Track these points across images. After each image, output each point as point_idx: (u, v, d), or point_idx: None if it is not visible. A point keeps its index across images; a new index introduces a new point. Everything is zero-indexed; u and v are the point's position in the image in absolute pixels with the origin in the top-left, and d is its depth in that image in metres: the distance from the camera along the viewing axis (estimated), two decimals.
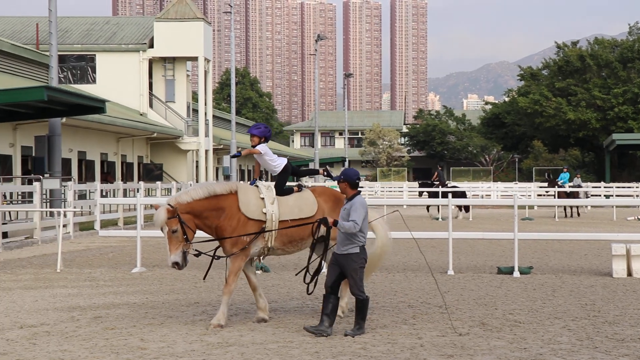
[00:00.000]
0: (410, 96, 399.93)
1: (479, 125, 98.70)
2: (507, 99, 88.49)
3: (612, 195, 44.62)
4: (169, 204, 10.21)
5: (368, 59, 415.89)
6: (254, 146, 11.44)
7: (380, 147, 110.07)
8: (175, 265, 10.11)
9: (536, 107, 72.96)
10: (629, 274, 15.60)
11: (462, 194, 36.32)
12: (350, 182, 9.99)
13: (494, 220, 34.81)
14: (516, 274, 15.78)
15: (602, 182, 53.22)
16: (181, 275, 15.44)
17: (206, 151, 55.73)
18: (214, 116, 63.30)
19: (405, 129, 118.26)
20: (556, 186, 38.45)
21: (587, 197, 40.70)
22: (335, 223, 9.70)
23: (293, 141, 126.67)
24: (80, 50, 54.18)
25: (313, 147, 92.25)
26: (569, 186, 37.99)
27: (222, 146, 60.72)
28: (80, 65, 54.36)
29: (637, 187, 45.88)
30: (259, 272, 16.06)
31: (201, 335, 9.81)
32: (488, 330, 10.09)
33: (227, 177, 54.60)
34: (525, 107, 74.01)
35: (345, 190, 10.05)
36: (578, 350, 8.99)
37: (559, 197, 36.33)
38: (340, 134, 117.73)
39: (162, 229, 10.14)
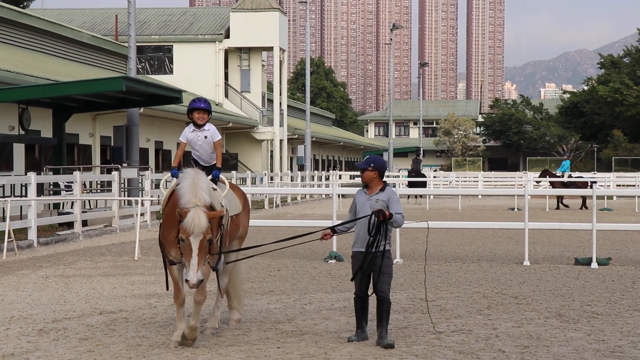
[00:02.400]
0: (486, 85, 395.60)
1: (556, 114, 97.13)
2: (586, 88, 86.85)
3: None
4: (202, 207, 8.18)
5: (444, 48, 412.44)
6: (203, 124, 9.48)
7: (455, 136, 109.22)
8: (198, 284, 8.15)
9: (616, 95, 71.41)
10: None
11: (423, 184, 39.42)
12: (382, 171, 8.77)
13: (571, 210, 34.24)
14: (594, 265, 15.50)
15: None
16: (256, 264, 15.56)
17: (280, 141, 56.07)
18: (288, 106, 63.67)
19: (480, 119, 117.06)
20: (547, 176, 37.50)
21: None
22: (391, 216, 8.49)
23: (367, 131, 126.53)
24: (157, 41, 55.04)
25: (387, 136, 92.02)
26: (568, 175, 36.74)
27: (296, 136, 61.02)
28: (158, 56, 55.22)
29: None
30: (332, 261, 16.12)
31: (275, 323, 9.87)
32: (565, 322, 9.93)
33: (301, 167, 54.86)
34: (605, 95, 72.51)
35: (373, 181, 8.75)
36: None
37: (553, 187, 35.50)
38: (415, 123, 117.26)
39: (189, 238, 8.04)
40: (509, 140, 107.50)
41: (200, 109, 9.30)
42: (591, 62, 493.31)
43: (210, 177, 9.12)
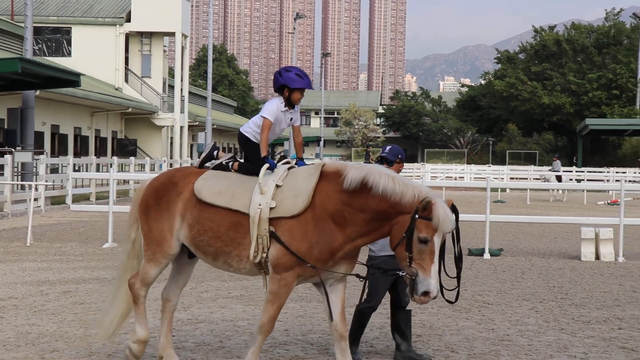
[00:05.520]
0: (387, 77, 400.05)
1: (454, 107, 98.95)
2: (483, 82, 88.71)
3: (584, 180, 44.96)
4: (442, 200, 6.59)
5: (346, 39, 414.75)
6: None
7: (356, 127, 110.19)
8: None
9: (512, 90, 73.23)
10: (597, 257, 15.77)
11: None
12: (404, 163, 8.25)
13: (466, 202, 35.03)
14: (486, 255, 15.90)
15: (574, 166, 53.62)
16: None
17: (181, 128, 55.49)
18: (190, 92, 63.02)
19: (381, 110, 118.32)
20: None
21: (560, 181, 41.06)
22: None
23: None
24: (56, 22, 53.65)
25: None
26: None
27: (197, 123, 60.49)
28: (56, 38, 53.84)
29: (607, 172, 46.25)
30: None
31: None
32: (457, 311, 10.16)
33: (201, 155, 54.36)
34: (501, 90, 74.26)
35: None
36: (544, 332, 9.09)
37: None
38: (317, 113, 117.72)
39: (434, 238, 6.45)
40: (408, 131, 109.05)
41: (308, 88, 7.58)
42: (489, 57, 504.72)
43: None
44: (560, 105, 71.09)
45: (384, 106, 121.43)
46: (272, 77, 7.57)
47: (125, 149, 49.84)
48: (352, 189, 6.62)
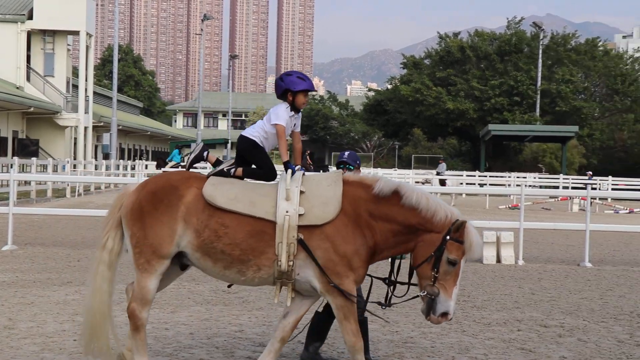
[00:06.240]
0: None
1: (361, 111, 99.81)
2: (389, 87, 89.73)
3: (486, 184, 45.95)
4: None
5: (254, 41, 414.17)
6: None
7: None
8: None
9: (417, 95, 74.27)
10: (498, 260, 16.14)
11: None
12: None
13: None
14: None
15: (477, 171, 54.74)
16: (54, 254, 15.09)
17: (85, 128, 54.51)
18: (94, 93, 61.95)
19: None
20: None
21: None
22: None
23: (176, 121, 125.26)
24: None
25: (196, 127, 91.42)
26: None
27: (102, 123, 59.51)
28: None
29: (509, 177, 47.37)
30: None
31: (73, 315, 9.62)
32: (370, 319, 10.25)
33: (106, 156, 53.61)
34: (406, 95, 75.24)
35: None
36: (447, 334, 9.26)
37: None
38: (224, 115, 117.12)
39: (462, 261, 6.55)
40: (316, 135, 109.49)
41: (311, 89, 7.32)
42: (395, 62, 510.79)
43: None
44: (464, 111, 72.47)
45: None
46: (274, 84, 7.33)
47: (27, 149, 48.66)
48: (382, 197, 6.60)
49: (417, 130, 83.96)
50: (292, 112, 7.26)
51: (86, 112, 54.32)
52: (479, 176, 48.54)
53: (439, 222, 6.51)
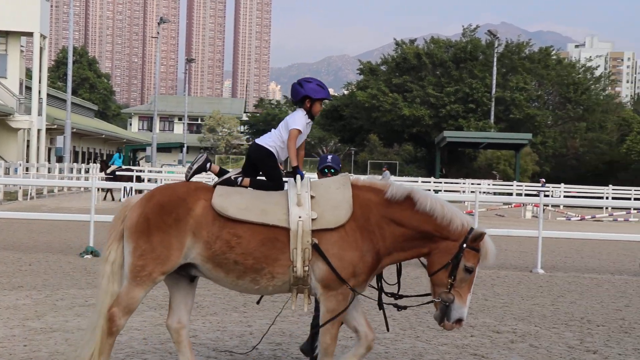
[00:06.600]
0: (252, 85, 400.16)
1: (317, 116, 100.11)
2: (346, 92, 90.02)
3: (441, 190, 46.29)
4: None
5: (211, 45, 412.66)
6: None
7: (220, 134, 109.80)
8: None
9: (373, 101, 74.55)
10: None
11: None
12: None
13: None
14: None
15: (432, 177, 55.10)
16: (5, 258, 14.88)
17: (39, 130, 53.87)
18: (48, 95, 61.23)
19: (245, 117, 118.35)
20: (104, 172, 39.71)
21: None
22: None
23: (131, 124, 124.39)
24: None
25: (151, 131, 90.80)
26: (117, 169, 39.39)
27: (56, 126, 58.85)
28: None
29: (464, 183, 47.74)
30: (88, 256, 15.68)
31: (24, 320, 9.49)
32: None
33: (60, 159, 53.04)
34: (363, 101, 75.49)
35: None
36: (401, 339, 9.30)
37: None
38: (180, 119, 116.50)
39: (476, 269, 6.72)
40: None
41: (328, 98, 7.50)
42: (352, 67, 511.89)
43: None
44: (420, 117, 72.92)
45: (248, 114, 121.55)
46: (291, 89, 7.36)
47: None
48: (395, 201, 6.67)
49: (373, 136, 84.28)
50: (309, 119, 7.33)
51: (39, 114, 53.69)
52: (434, 182, 48.84)
53: (455, 230, 6.63)
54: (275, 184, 7.01)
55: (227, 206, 6.57)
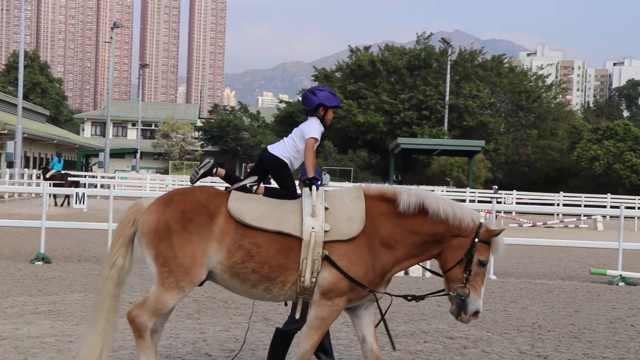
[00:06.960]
0: (206, 90, 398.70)
1: (272, 122, 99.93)
2: (301, 99, 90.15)
3: None
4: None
5: (165, 51, 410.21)
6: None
7: (174, 140, 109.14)
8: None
9: None
10: (406, 272, 16.33)
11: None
12: None
13: None
14: None
15: (387, 184, 55.31)
16: None
17: None
18: None
19: (199, 123, 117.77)
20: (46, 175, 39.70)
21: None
22: None
23: (84, 130, 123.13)
24: None
25: (104, 136, 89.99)
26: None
27: (6, 131, 57.99)
28: None
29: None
30: (39, 262, 15.48)
31: None
32: (270, 325, 10.25)
33: (10, 164, 52.28)
34: None
35: None
36: (354, 346, 9.32)
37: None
38: (133, 124, 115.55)
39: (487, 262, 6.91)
40: (227, 146, 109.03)
41: (340, 106, 7.63)
42: (306, 74, 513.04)
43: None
44: (374, 124, 73.22)
45: (203, 120, 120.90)
46: (302, 97, 7.41)
47: None
48: (410, 213, 6.72)
49: (328, 143, 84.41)
50: (322, 127, 7.40)
51: None
52: None
53: (466, 227, 6.75)
54: (288, 193, 7.08)
55: (243, 212, 6.57)
